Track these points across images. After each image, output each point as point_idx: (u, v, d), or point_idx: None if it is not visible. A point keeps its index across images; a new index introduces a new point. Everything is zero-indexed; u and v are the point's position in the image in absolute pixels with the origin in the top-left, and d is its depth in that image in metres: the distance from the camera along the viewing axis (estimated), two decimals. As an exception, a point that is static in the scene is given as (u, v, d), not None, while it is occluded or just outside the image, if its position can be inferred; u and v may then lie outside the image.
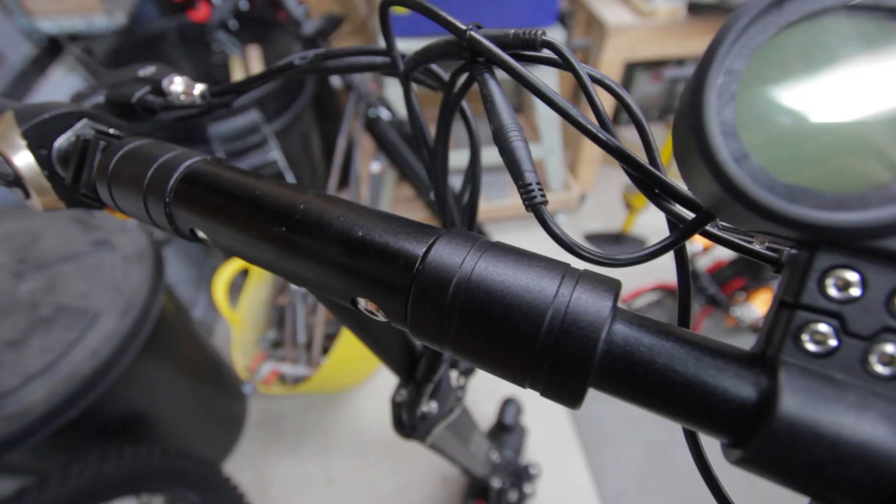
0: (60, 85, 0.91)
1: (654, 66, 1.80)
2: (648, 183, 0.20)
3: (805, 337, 0.14)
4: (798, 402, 0.13)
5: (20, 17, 0.88)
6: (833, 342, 0.13)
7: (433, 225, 0.20)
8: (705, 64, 0.14)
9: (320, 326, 1.17)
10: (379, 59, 0.27)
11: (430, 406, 0.43)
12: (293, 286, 1.19)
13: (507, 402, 1.09)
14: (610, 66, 1.41)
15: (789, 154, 0.13)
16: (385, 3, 0.24)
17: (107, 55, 1.02)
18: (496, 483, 0.95)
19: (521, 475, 1.02)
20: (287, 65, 0.29)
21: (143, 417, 0.88)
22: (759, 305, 1.18)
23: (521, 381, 0.17)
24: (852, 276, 0.13)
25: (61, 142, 0.28)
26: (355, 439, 1.20)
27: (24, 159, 0.26)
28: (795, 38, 0.13)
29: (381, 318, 0.20)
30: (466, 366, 0.48)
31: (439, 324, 0.17)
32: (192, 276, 1.39)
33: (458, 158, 1.43)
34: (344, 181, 1.26)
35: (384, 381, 1.29)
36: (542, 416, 1.19)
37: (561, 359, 0.16)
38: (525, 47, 0.20)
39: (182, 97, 0.31)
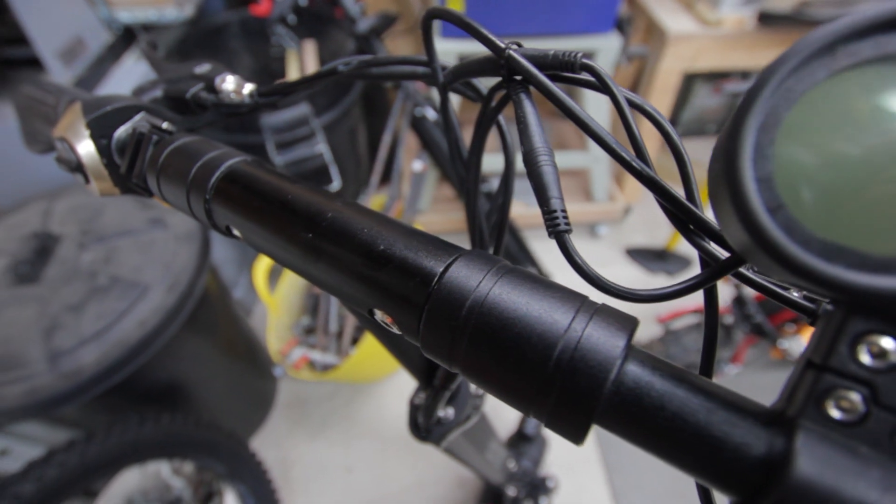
0: (131, 71, 0.98)
1: (716, 77, 1.72)
2: (683, 218, 0.19)
3: (830, 402, 0.13)
4: (814, 470, 0.12)
5: (102, 7, 0.95)
6: (861, 411, 0.13)
7: (455, 244, 0.20)
8: (746, 105, 0.13)
9: (351, 318, 1.20)
10: (420, 70, 0.28)
11: (446, 412, 0.43)
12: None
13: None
14: (668, 75, 1.36)
15: (829, 208, 0.12)
16: (427, 17, 0.24)
17: (174, 45, 1.08)
18: (511, 491, 0.94)
19: (537, 486, 1.00)
20: (331, 70, 0.30)
21: (181, 388, 0.93)
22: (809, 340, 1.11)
23: (525, 409, 0.17)
24: (889, 344, 0.12)
25: (120, 133, 0.30)
26: (377, 431, 1.22)
27: (86, 148, 0.28)
28: (847, 86, 0.12)
29: (395, 330, 0.20)
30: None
31: (450, 344, 0.17)
32: (236, 259, 1.45)
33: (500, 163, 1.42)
34: (386, 177, 1.28)
35: (409, 378, 1.30)
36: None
37: (566, 394, 0.15)
38: (564, 69, 0.20)
39: (232, 95, 0.33)
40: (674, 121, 1.82)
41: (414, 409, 0.44)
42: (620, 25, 1.30)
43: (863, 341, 0.12)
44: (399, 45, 1.56)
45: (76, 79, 0.90)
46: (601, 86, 0.20)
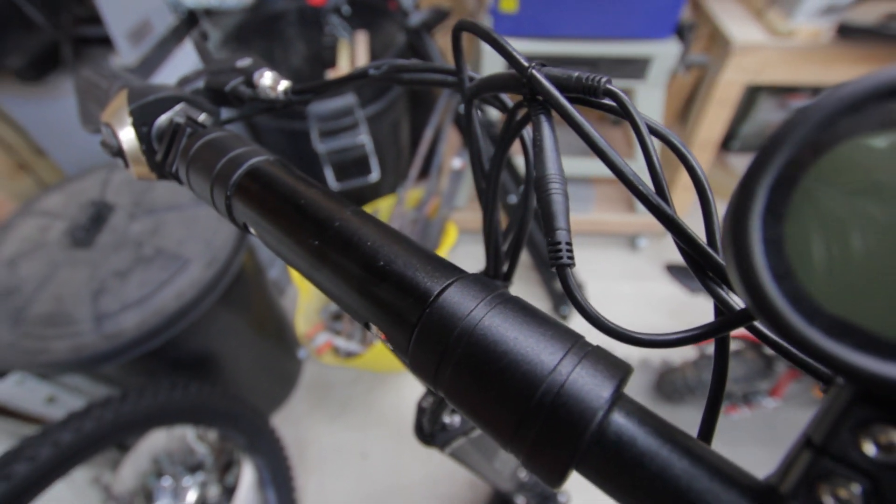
0: (190, 55, 1.03)
1: (782, 92, 1.61)
2: (701, 263, 0.18)
3: (826, 488, 0.12)
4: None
5: (170, -10, 1.01)
6: (859, 506, 0.11)
7: (457, 266, 0.20)
8: (763, 157, 0.12)
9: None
10: (449, 79, 0.27)
11: (452, 419, 0.43)
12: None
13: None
14: (729, 87, 1.28)
15: (844, 282, 0.11)
16: (456, 29, 0.24)
17: (232, 30, 1.12)
18: (520, 501, 0.93)
19: (548, 499, 0.99)
20: (362, 73, 0.30)
21: (211, 359, 0.98)
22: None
23: (503, 445, 0.16)
24: (899, 438, 0.11)
25: (160, 121, 0.31)
26: (394, 421, 1.24)
27: (127, 134, 0.30)
28: (876, 149, 0.11)
29: (388, 346, 0.20)
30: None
31: (436, 367, 0.17)
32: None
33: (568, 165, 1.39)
34: (425, 172, 1.28)
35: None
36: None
37: (545, 438, 0.15)
38: (587, 92, 0.19)
39: (268, 91, 0.34)
40: (731, 135, 1.73)
41: (420, 412, 0.44)
42: (681, 32, 1.24)
43: (869, 430, 0.11)
44: (450, 41, 1.55)
45: (141, 58, 0.96)
46: (623, 112, 0.19)
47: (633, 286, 1.52)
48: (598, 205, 1.61)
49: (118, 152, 0.30)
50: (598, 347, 0.17)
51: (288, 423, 1.23)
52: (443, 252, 1.17)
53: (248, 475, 0.98)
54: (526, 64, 0.20)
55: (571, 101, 0.19)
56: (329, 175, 1.16)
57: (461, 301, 0.17)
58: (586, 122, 0.18)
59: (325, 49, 1.34)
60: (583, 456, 0.15)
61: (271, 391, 1.23)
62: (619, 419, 0.15)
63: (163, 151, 0.30)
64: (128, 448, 0.99)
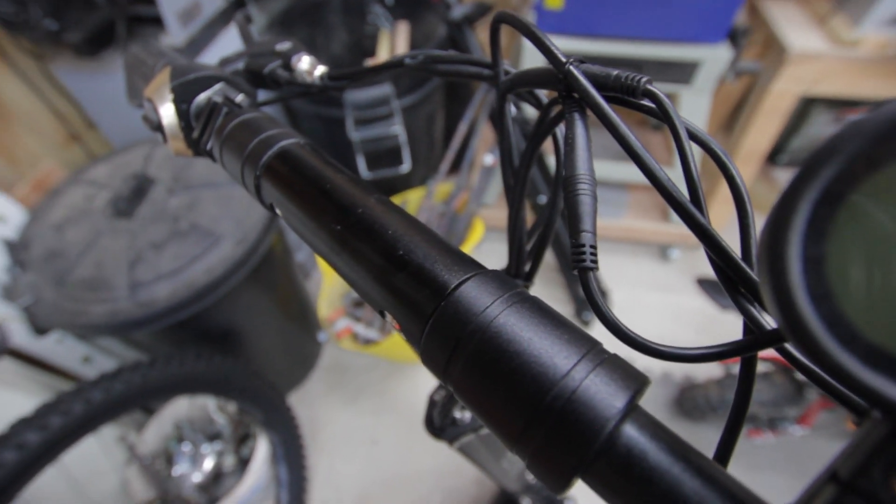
0: (236, 38, 1.06)
1: (840, 105, 1.52)
2: (733, 278, 0.17)
3: (850, 530, 0.11)
4: None
5: (220, -27, 1.04)
6: (886, 551, 0.11)
7: (476, 261, 0.20)
8: (809, 168, 0.11)
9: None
10: (484, 72, 0.27)
11: (462, 414, 0.43)
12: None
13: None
14: (781, 97, 1.22)
15: (887, 308, 0.10)
16: (495, 21, 0.23)
17: (278, 15, 1.14)
18: (525, 502, 0.92)
19: (554, 503, 0.98)
20: (397, 62, 0.30)
21: (236, 334, 1.01)
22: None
23: (510, 445, 0.16)
24: (938, 484, 0.10)
25: (200, 100, 0.32)
26: (406, 410, 1.25)
27: (167, 110, 0.31)
28: None
29: (402, 336, 0.20)
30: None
31: (447, 361, 0.17)
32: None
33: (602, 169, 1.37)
34: (457, 166, 1.28)
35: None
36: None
37: (551, 443, 0.14)
38: (625, 92, 0.18)
39: (305, 75, 0.34)
40: (779, 148, 1.65)
41: (432, 404, 0.44)
42: (734, 37, 1.19)
43: (904, 470, 0.10)
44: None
45: (189, 39, 0.99)
46: (662, 115, 0.18)
47: (661, 297, 1.48)
48: (631, 211, 1.57)
49: (158, 127, 0.31)
50: (615, 356, 0.16)
51: (304, 403, 1.26)
52: (468, 248, 1.17)
53: (262, 449, 1.01)
54: (564, 59, 0.19)
55: (608, 100, 0.19)
56: (361, 163, 1.17)
57: (478, 297, 0.17)
58: (622, 123, 0.18)
59: (366, 38, 1.35)
60: (589, 465, 0.14)
61: (290, 371, 1.26)
62: (631, 431, 0.14)
63: (199, 129, 0.31)
64: (153, 412, 1.03)
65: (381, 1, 1.18)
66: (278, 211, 0.25)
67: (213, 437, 1.05)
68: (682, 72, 1.25)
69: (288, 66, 0.35)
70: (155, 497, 0.90)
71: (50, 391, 0.88)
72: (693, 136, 0.18)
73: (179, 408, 1.03)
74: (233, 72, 0.35)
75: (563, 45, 1.22)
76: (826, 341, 0.10)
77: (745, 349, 0.16)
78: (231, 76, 0.34)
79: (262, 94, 0.37)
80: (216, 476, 1.02)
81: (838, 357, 0.10)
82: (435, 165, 1.46)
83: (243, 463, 1.04)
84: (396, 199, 1.30)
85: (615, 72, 0.18)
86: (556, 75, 0.19)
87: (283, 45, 0.36)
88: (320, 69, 0.34)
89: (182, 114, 0.32)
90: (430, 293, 0.18)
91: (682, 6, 1.16)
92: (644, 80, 0.17)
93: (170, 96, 0.31)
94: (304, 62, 0.34)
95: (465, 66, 0.27)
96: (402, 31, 1.27)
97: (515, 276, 0.29)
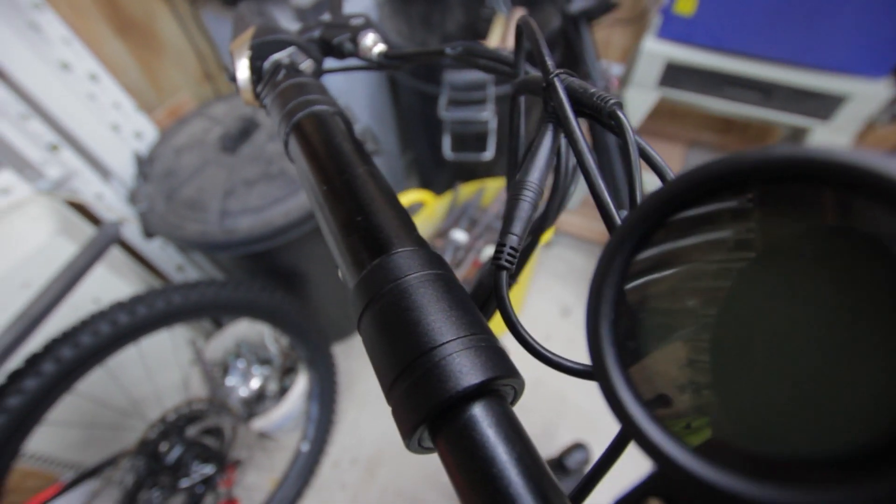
0: (359, 1, 1.13)
1: None
2: None
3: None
4: None
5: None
6: None
7: (422, 240, 0.21)
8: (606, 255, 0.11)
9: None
10: (507, 70, 0.27)
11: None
12: (451, 234, 1.29)
13: (576, 447, 1.01)
14: (941, 153, 1.03)
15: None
16: (519, 24, 0.24)
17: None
18: None
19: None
20: (439, 51, 0.31)
21: (299, 276, 1.10)
22: None
23: (384, 392, 0.18)
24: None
25: (272, 59, 0.36)
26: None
27: (242, 64, 0.35)
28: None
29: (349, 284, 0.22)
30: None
31: (361, 311, 0.19)
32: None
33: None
34: (540, 163, 1.25)
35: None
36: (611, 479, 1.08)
37: (408, 397, 0.17)
38: (595, 111, 0.18)
39: (367, 51, 0.37)
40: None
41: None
42: (898, 74, 1.02)
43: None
44: (613, 34, 1.46)
45: (316, 0, 1.07)
46: (621, 138, 0.18)
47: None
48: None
49: (233, 77, 0.36)
50: (495, 348, 0.17)
51: (346, 355, 1.35)
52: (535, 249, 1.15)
53: (301, 384, 1.12)
54: (551, 70, 0.19)
55: (585, 115, 0.19)
56: (446, 143, 1.20)
57: (402, 266, 0.19)
58: (582, 139, 0.18)
59: (482, 21, 1.36)
60: (433, 425, 0.16)
61: (340, 322, 1.35)
62: (477, 411, 0.16)
63: (263, 84, 0.35)
64: (221, 326, 1.18)
65: (501, -15, 1.18)
66: (295, 166, 0.29)
67: (264, 361, 1.17)
68: (821, 105, 1.10)
69: (354, 40, 0.37)
70: (206, 398, 1.04)
71: (144, 285, 1.04)
72: (644, 153, 0.18)
73: (241, 328, 1.16)
74: (308, 39, 0.39)
75: (683, 55, 1.13)
76: (639, 417, 0.11)
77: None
78: (304, 42, 0.37)
79: (329, 63, 0.40)
80: (259, 396, 1.14)
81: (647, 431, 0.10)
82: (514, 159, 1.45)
83: (283, 391, 1.15)
84: (474, 185, 1.31)
85: (592, 89, 0.18)
86: (541, 84, 0.20)
87: (357, 20, 0.39)
88: (380, 47, 0.36)
89: (255, 69, 0.36)
90: (367, 256, 0.20)
91: (843, 29, 1.00)
92: (612, 101, 0.17)
93: (247, 52, 0.35)
94: (368, 38, 0.37)
95: (490, 62, 0.28)
96: (517, 18, 1.26)
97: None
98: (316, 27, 0.40)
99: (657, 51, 1.16)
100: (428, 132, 1.32)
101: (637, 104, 1.26)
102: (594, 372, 0.11)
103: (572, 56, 1.20)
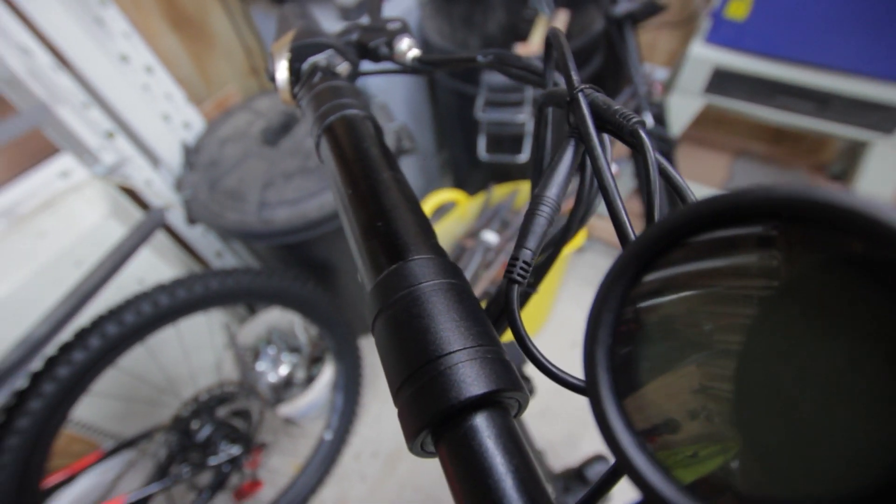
0: (401, 2, 1.14)
1: None
2: None
3: None
4: None
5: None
6: None
7: (439, 248, 0.22)
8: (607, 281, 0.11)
9: (484, 282, 1.25)
10: (536, 80, 0.27)
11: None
12: (482, 235, 1.29)
13: (597, 458, 0.99)
14: None
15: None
16: (547, 40, 0.24)
17: (440, -11, 1.19)
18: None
19: (571, 529, 0.95)
20: (471, 58, 0.31)
21: (330, 269, 1.13)
22: None
23: (392, 395, 0.19)
24: None
25: (310, 61, 0.37)
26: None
27: (282, 65, 0.36)
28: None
29: (367, 287, 0.23)
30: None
31: (375, 315, 0.20)
32: (420, 187, 1.62)
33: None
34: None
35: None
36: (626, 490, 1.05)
37: (414, 401, 0.17)
38: (616, 127, 0.18)
39: (401, 56, 0.37)
40: None
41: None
42: (971, 87, 0.94)
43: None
44: (659, 37, 1.42)
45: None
46: (642, 157, 0.17)
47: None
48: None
49: (272, 78, 0.37)
50: (503, 360, 0.18)
51: (371, 350, 1.37)
52: (563, 254, 1.13)
53: (328, 374, 1.14)
54: (576, 85, 0.19)
55: (608, 132, 0.19)
56: (481, 144, 1.20)
57: (417, 273, 0.20)
58: (602, 156, 0.18)
59: (523, 22, 1.35)
60: (435, 431, 0.17)
61: (367, 318, 1.38)
62: (480, 421, 0.16)
63: (300, 85, 0.36)
64: (254, 313, 1.22)
65: (544, -14, 1.16)
66: (325, 167, 0.29)
67: (293, 350, 1.21)
68: (883, 117, 1.03)
69: (390, 45, 0.38)
70: (237, 381, 1.08)
71: (185, 269, 1.09)
72: (663, 171, 0.17)
73: (273, 316, 1.20)
74: (346, 42, 0.40)
75: (734, 61, 1.08)
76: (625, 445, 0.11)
77: None
78: (342, 45, 0.38)
79: (365, 66, 0.41)
80: (287, 382, 1.18)
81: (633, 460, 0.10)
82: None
83: (310, 379, 1.18)
84: (507, 187, 1.31)
85: (616, 106, 0.18)
86: (565, 97, 0.20)
87: (394, 25, 0.39)
88: (414, 52, 0.37)
89: (294, 70, 0.37)
90: (385, 261, 0.21)
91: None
92: (634, 120, 0.17)
93: (287, 54, 0.36)
94: (403, 43, 0.37)
95: (524, 72, 0.28)
96: (560, 20, 1.24)
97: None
98: (354, 30, 0.41)
99: (705, 56, 1.11)
100: (464, 132, 1.32)
101: (681, 111, 1.22)
102: (588, 397, 0.11)
103: (615, 59, 1.17)
